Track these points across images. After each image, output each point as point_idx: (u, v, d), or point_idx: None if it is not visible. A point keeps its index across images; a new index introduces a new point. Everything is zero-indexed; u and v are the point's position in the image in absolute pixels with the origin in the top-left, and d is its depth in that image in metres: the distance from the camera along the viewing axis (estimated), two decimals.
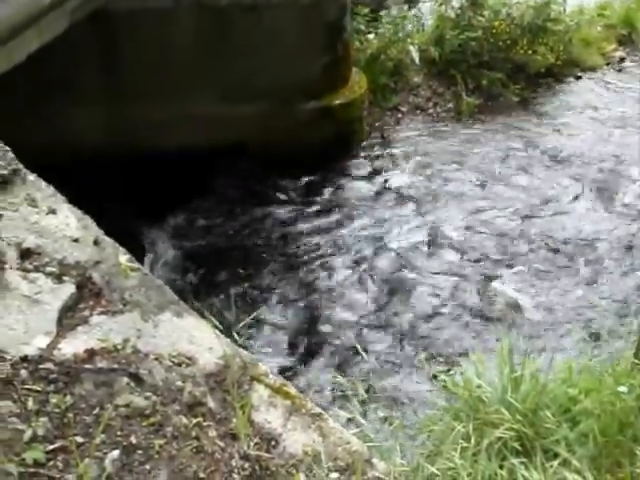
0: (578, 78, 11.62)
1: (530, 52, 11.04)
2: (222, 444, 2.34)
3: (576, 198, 8.89)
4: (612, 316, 6.97)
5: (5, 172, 2.82)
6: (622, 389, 3.21)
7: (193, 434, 2.32)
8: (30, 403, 2.26)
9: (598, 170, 9.38)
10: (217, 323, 2.71)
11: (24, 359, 2.37)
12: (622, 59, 12.21)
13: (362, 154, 9.66)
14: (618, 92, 11.31)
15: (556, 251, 7.99)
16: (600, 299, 7.30)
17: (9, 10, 5.47)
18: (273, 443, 2.44)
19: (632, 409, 3.20)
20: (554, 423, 3.00)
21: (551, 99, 11.12)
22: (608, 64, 12.03)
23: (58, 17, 6.08)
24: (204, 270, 7.72)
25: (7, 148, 2.94)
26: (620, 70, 11.93)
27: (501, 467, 2.74)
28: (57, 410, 2.26)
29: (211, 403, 2.43)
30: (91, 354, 2.43)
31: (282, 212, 8.66)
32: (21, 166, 2.91)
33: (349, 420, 3.10)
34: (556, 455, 2.87)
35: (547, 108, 10.89)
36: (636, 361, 3.58)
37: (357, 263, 7.89)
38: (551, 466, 2.74)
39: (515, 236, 8.22)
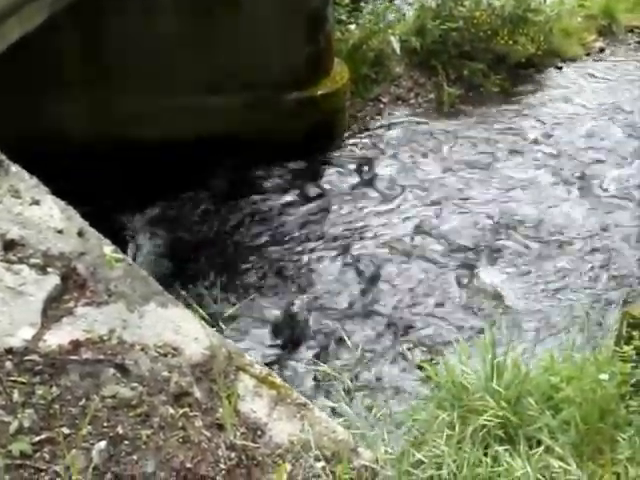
0: (558, 68, 11.67)
1: (511, 42, 11.06)
2: (208, 434, 2.35)
3: (557, 187, 8.94)
4: (593, 305, 7.03)
5: None
6: (603, 377, 3.25)
7: (180, 424, 2.32)
8: (16, 395, 2.25)
9: (579, 159, 9.44)
10: (203, 313, 2.71)
11: (9, 351, 2.37)
12: (602, 49, 12.27)
13: (344, 145, 9.66)
14: (598, 82, 11.37)
15: (537, 240, 8.04)
16: (582, 288, 7.36)
17: None
18: (259, 433, 2.45)
19: (613, 396, 3.24)
20: (537, 411, 3.03)
21: (532, 89, 11.16)
22: (588, 54, 12.09)
23: (39, 7, 6.04)
24: (189, 260, 7.71)
25: None
26: (600, 60, 11.99)
27: (485, 454, 2.77)
28: (43, 402, 2.26)
29: (197, 393, 2.44)
30: (76, 345, 2.43)
31: (266, 202, 8.65)
32: (4, 157, 2.89)
33: (334, 409, 3.12)
34: (539, 442, 2.90)
35: (528, 98, 10.93)
36: (617, 349, 3.62)
37: (341, 253, 7.91)
38: (534, 453, 2.78)
39: (497, 226, 8.26)
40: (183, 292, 4.06)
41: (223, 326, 2.75)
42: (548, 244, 8.00)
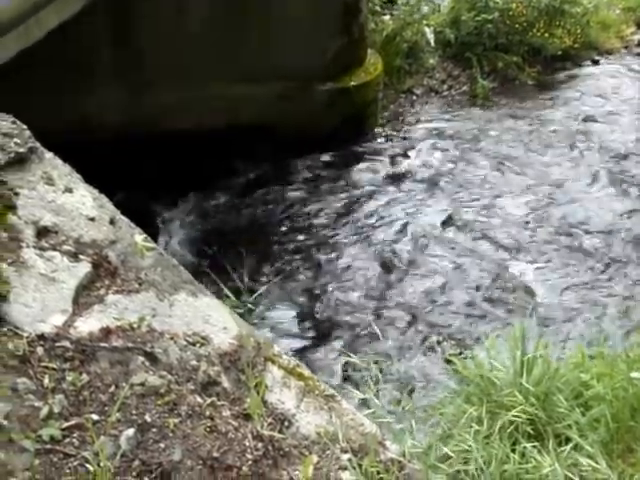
0: (595, 62, 11.53)
1: (547, 35, 10.96)
2: (236, 424, 2.35)
3: (592, 184, 8.84)
4: (626, 302, 6.95)
5: (22, 150, 2.81)
6: (635, 375, 3.21)
7: (207, 413, 2.33)
8: (46, 380, 2.26)
9: (615, 155, 9.32)
10: (233, 297, 2.71)
11: (40, 337, 2.38)
12: None
13: (377, 135, 9.64)
14: (635, 76, 11.21)
15: (571, 236, 7.96)
16: (614, 284, 7.27)
17: None
18: (286, 424, 2.45)
19: None
20: (566, 408, 3.01)
21: (567, 82, 11.04)
22: (626, 47, 11.93)
23: None
24: (220, 248, 7.74)
25: (24, 126, 2.93)
26: (638, 54, 11.82)
27: (513, 451, 2.75)
28: (73, 388, 2.27)
29: (225, 383, 2.44)
30: (107, 333, 2.44)
31: (297, 192, 8.66)
32: (38, 144, 2.90)
33: (362, 401, 3.11)
34: (568, 440, 2.88)
35: (563, 92, 10.81)
36: None
37: (371, 244, 7.90)
38: (563, 451, 2.75)
39: (530, 221, 8.19)
40: (213, 280, 4.06)
41: (253, 313, 2.75)
42: (581, 239, 7.91)
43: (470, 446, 2.72)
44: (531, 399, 2.97)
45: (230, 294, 2.78)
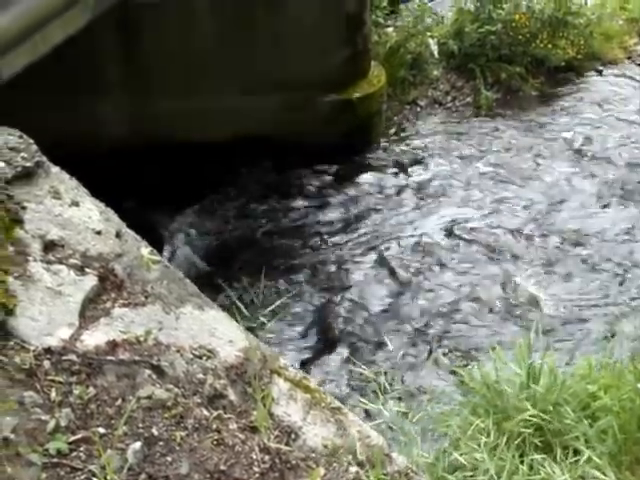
0: (598, 72, 11.54)
1: (550, 46, 10.97)
2: (242, 437, 2.35)
3: (597, 194, 8.83)
4: (633, 313, 6.93)
5: (29, 164, 2.82)
6: None
7: (214, 426, 2.32)
8: (53, 394, 2.26)
9: (619, 166, 9.32)
10: (243, 309, 2.71)
11: (47, 350, 2.38)
12: None
13: (381, 147, 9.65)
14: (639, 85, 11.22)
15: (577, 247, 7.95)
16: (621, 296, 7.26)
17: (35, 2, 5.54)
18: (293, 436, 2.44)
19: None
20: (573, 419, 3.00)
21: (571, 93, 11.05)
22: (629, 58, 11.93)
23: (81, 10, 6.14)
24: (224, 261, 7.74)
25: (31, 140, 2.94)
26: None
27: (521, 462, 2.74)
28: (79, 401, 2.27)
29: (232, 396, 2.44)
30: (113, 346, 2.44)
31: (302, 204, 8.66)
32: (44, 158, 2.91)
33: (368, 412, 3.11)
34: (576, 451, 2.87)
35: (567, 102, 10.82)
36: None
37: (376, 256, 7.89)
38: (572, 462, 2.74)
39: (535, 231, 8.18)
40: (220, 295, 4.08)
41: (263, 321, 2.76)
42: (586, 250, 7.90)
43: (478, 457, 2.72)
44: (539, 408, 2.96)
45: (241, 305, 2.78)
